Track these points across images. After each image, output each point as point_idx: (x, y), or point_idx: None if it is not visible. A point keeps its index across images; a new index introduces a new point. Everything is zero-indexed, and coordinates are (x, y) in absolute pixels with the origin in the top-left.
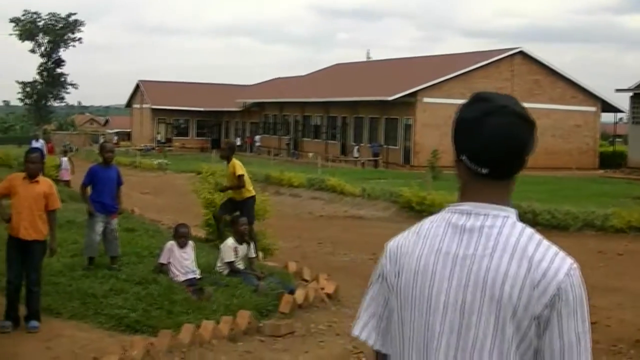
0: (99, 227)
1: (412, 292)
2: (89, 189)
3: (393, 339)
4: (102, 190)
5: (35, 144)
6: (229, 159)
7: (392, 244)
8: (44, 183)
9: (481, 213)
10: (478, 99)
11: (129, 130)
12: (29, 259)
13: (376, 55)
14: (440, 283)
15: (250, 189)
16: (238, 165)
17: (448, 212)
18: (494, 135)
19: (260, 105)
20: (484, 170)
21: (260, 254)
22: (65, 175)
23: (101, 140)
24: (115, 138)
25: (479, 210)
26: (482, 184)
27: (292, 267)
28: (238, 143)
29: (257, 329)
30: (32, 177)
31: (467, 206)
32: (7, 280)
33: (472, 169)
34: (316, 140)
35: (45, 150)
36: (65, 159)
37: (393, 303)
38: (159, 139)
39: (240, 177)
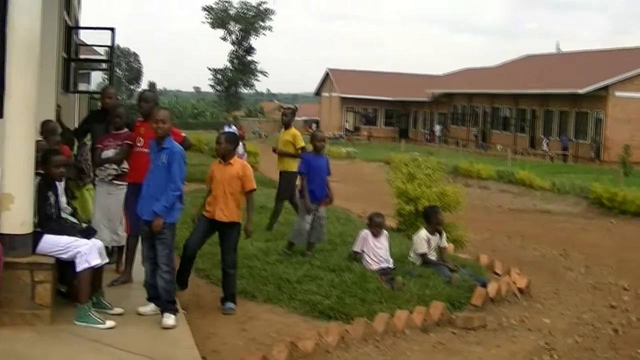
0: (310, 216)
1: None
2: (304, 180)
3: None
4: (313, 178)
5: (227, 129)
6: (288, 126)
7: None
8: (237, 164)
9: None
10: None
11: (317, 118)
12: (224, 241)
13: (566, 47)
14: None
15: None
16: (299, 136)
17: None
18: None
19: (449, 96)
20: None
21: (452, 246)
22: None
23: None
24: (315, 126)
25: None
26: None
27: (484, 259)
28: (439, 132)
29: (449, 320)
30: (223, 159)
31: None
32: (184, 244)
33: None
34: (505, 132)
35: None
36: (241, 144)
37: None
38: (347, 127)
39: (303, 148)
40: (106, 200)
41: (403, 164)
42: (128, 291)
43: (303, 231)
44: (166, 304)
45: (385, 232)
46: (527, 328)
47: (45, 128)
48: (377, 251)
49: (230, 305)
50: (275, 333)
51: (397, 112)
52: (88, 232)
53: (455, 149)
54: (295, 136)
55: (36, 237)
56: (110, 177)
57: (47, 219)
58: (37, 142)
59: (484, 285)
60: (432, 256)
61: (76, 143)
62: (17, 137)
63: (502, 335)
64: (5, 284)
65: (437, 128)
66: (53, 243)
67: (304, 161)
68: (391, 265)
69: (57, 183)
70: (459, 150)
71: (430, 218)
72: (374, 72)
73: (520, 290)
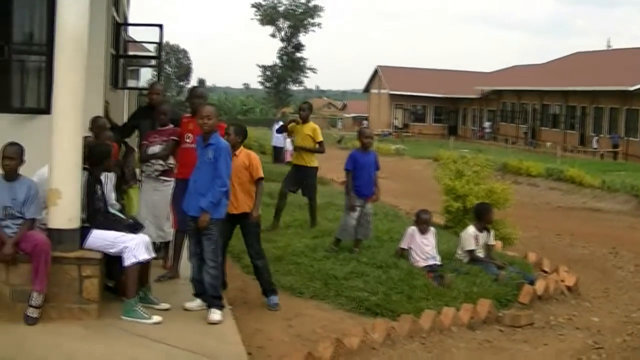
0: (356, 212)
1: None
2: (350, 176)
3: None
4: (360, 175)
5: (275, 126)
6: (306, 120)
7: None
8: (242, 155)
9: None
10: None
11: (366, 114)
12: (243, 233)
13: (616, 44)
14: None
15: (315, 159)
16: (318, 130)
17: None
18: None
19: (498, 93)
20: None
21: (500, 243)
22: (289, 157)
23: (339, 124)
24: (366, 123)
25: None
26: None
27: (532, 257)
28: (488, 128)
29: (496, 318)
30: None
31: None
32: None
33: None
34: (554, 129)
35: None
36: (288, 140)
37: None
38: (396, 124)
39: (321, 143)
40: (152, 197)
41: (451, 161)
42: (175, 287)
43: (349, 227)
44: (212, 300)
45: (432, 228)
46: (575, 326)
47: (96, 124)
48: (424, 248)
49: (274, 299)
50: (321, 329)
51: (446, 109)
52: (135, 227)
53: (505, 146)
54: (315, 130)
55: (84, 232)
56: (156, 173)
57: (95, 214)
58: (85, 137)
59: (532, 283)
60: (480, 253)
61: (122, 148)
62: (64, 133)
63: (550, 334)
64: (53, 279)
65: (486, 125)
66: (101, 238)
67: (351, 158)
68: (438, 262)
69: (108, 179)
70: (508, 148)
71: (482, 215)
72: (423, 68)
73: (569, 288)
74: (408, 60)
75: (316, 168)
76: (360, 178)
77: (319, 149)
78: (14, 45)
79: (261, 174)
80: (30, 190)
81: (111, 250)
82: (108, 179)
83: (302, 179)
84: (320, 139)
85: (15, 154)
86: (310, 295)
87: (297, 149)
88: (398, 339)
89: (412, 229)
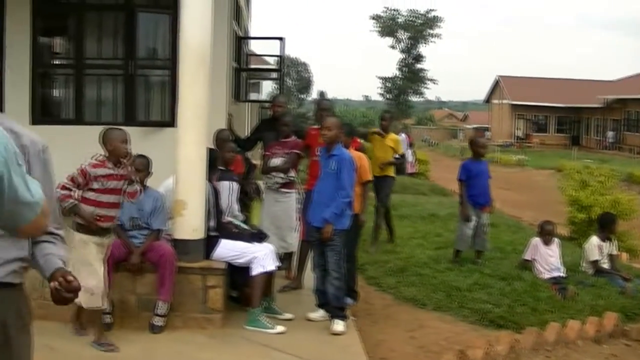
0: (471, 222)
1: None
2: (463, 187)
3: None
4: (473, 184)
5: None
6: (387, 130)
7: None
8: (353, 156)
9: None
10: None
11: (487, 125)
12: None
13: None
14: None
15: (393, 170)
16: (399, 141)
17: None
18: None
19: (622, 102)
20: None
21: (625, 255)
22: (410, 168)
23: (460, 135)
24: (488, 134)
25: None
26: None
27: None
28: (611, 138)
29: (622, 332)
30: None
31: None
32: None
33: None
34: None
35: (407, 143)
36: (410, 151)
37: None
38: (517, 134)
39: (403, 156)
40: (274, 208)
41: (575, 172)
42: (298, 297)
43: (465, 237)
44: (336, 310)
45: (556, 239)
46: None
47: (220, 137)
48: (549, 259)
49: (346, 300)
50: (444, 341)
51: (569, 119)
52: (260, 237)
53: (630, 157)
54: (397, 141)
55: (213, 241)
56: (277, 185)
57: (223, 224)
58: (209, 149)
59: None
60: (604, 264)
61: (246, 166)
62: (189, 145)
63: None
64: (179, 288)
65: (610, 135)
66: (230, 248)
67: (463, 168)
68: (563, 274)
69: (232, 190)
70: (633, 158)
71: (606, 225)
72: (544, 78)
73: None
74: (529, 70)
75: (394, 178)
76: (475, 187)
77: (399, 160)
78: (138, 61)
79: (369, 177)
80: (156, 202)
81: (239, 261)
82: (232, 190)
83: (381, 188)
84: (402, 151)
85: (142, 166)
86: (433, 307)
87: (381, 165)
88: (522, 352)
89: (536, 240)
